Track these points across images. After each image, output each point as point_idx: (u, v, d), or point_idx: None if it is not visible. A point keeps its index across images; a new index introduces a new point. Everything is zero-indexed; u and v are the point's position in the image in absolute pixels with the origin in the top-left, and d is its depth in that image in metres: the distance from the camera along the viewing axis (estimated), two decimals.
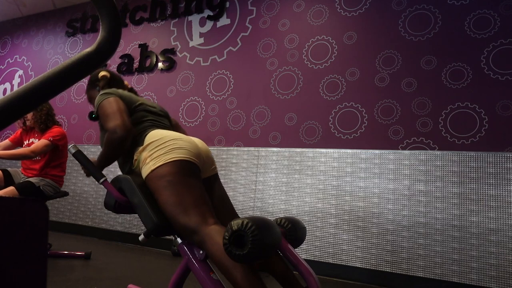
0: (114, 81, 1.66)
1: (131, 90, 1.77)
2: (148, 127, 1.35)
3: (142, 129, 1.35)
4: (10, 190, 2.28)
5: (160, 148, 1.22)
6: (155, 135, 1.27)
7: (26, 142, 2.62)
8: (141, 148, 1.27)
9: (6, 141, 2.64)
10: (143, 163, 1.24)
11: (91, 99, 1.69)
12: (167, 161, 1.19)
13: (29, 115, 2.60)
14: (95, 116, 1.44)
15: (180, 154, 1.21)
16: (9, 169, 2.57)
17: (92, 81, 1.67)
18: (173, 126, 1.63)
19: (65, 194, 2.59)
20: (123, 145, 1.26)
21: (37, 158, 2.54)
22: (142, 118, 1.39)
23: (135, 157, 1.28)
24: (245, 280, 0.97)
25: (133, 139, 1.33)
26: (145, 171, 1.22)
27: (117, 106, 1.31)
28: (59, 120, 4.12)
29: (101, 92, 1.39)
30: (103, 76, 1.61)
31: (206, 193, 1.22)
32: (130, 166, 1.33)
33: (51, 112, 2.60)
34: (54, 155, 2.53)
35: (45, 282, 0.42)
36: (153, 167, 1.19)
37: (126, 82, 1.77)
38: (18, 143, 2.66)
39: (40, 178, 2.46)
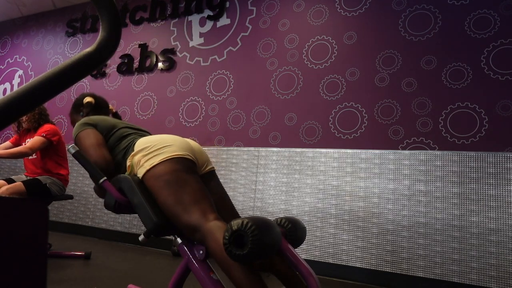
0: (98, 107, 1.70)
1: (115, 114, 1.82)
2: (134, 138, 1.38)
3: (129, 140, 1.37)
4: (17, 185, 2.29)
5: (153, 149, 1.24)
6: (145, 141, 1.29)
7: (24, 144, 2.63)
8: (133, 153, 1.28)
9: (7, 143, 2.66)
10: (138, 165, 1.25)
11: (73, 123, 1.74)
12: (162, 160, 1.19)
13: (24, 117, 2.61)
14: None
15: (174, 152, 1.22)
16: (13, 177, 2.57)
17: (77, 106, 1.72)
18: None
19: (70, 197, 2.60)
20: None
21: (33, 156, 2.54)
22: (125, 133, 1.42)
23: (128, 163, 1.29)
24: (245, 277, 0.97)
25: (123, 151, 1.36)
26: (141, 172, 1.23)
27: (95, 138, 1.35)
28: (59, 120, 4.12)
29: (80, 122, 1.42)
30: (88, 103, 1.65)
31: (205, 187, 1.22)
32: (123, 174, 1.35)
33: (44, 112, 2.62)
34: (51, 152, 2.53)
35: (45, 282, 0.42)
36: (148, 167, 1.20)
37: (111, 107, 1.80)
38: (17, 145, 2.67)
39: (47, 176, 2.47)
